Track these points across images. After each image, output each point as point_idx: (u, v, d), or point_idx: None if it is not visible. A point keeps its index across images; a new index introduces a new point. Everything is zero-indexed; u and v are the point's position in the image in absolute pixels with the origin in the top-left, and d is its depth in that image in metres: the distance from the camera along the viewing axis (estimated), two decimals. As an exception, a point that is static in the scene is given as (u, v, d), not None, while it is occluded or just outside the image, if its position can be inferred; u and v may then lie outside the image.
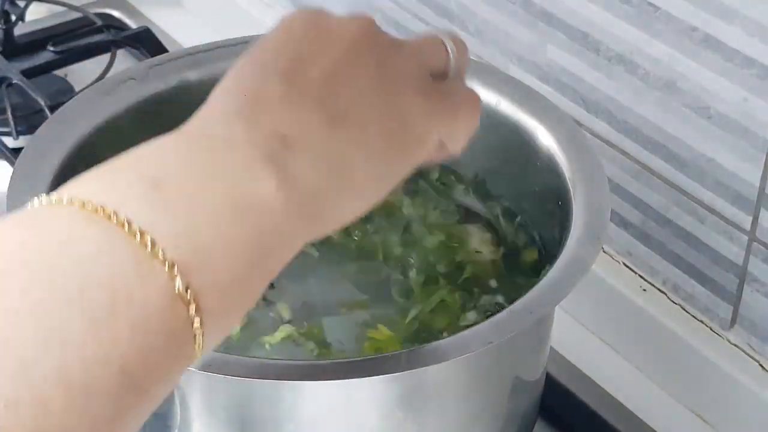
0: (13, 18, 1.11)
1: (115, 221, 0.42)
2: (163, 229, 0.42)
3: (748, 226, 0.78)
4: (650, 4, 0.78)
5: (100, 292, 0.40)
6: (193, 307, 0.42)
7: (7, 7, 1.11)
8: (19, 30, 1.12)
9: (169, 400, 0.64)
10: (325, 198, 0.49)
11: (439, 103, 0.54)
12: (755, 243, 0.78)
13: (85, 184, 0.44)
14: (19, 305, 0.39)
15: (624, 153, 0.85)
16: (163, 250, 0.42)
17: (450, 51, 0.57)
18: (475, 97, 0.58)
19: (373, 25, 0.54)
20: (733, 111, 0.76)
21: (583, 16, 0.84)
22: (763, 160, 0.75)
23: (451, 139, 0.56)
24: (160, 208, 0.43)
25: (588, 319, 0.90)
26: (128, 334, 0.40)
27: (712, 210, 0.80)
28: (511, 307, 0.63)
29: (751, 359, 0.82)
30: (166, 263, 0.42)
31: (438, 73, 0.56)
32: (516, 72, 0.90)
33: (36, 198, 0.43)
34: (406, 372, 0.61)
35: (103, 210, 0.42)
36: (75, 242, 0.41)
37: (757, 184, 0.76)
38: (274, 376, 0.61)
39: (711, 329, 0.84)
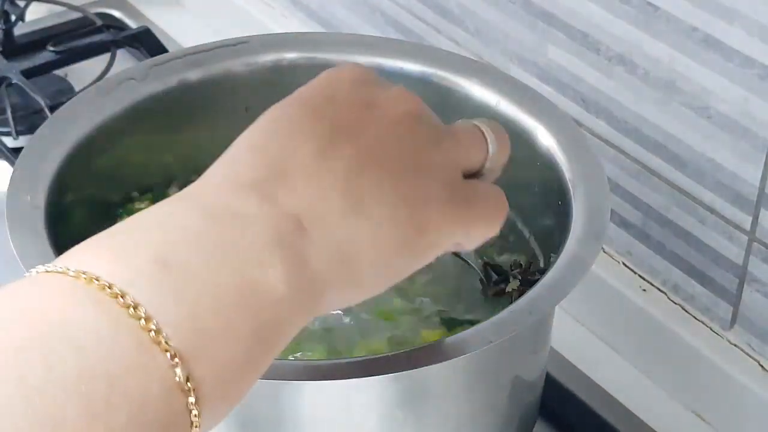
0: (13, 18, 1.11)
1: (121, 303, 0.41)
2: (168, 314, 0.41)
3: (748, 226, 0.78)
4: (650, 4, 0.78)
5: (98, 381, 0.39)
6: (193, 398, 0.41)
7: (6, 6, 1.11)
8: (19, 30, 1.12)
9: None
10: (329, 289, 0.48)
11: (464, 210, 0.52)
12: (755, 243, 0.78)
13: (91, 256, 0.43)
14: (14, 391, 0.38)
15: (624, 153, 0.85)
16: (166, 338, 0.41)
17: (490, 148, 0.54)
18: (502, 203, 0.55)
19: (419, 107, 0.51)
20: (733, 111, 0.76)
21: (583, 16, 0.84)
22: (763, 160, 0.75)
23: (467, 242, 0.53)
24: (167, 292, 0.42)
25: (588, 319, 0.90)
26: (124, 426, 0.39)
27: (712, 210, 0.80)
28: (511, 307, 0.63)
29: (751, 359, 0.82)
30: (169, 352, 0.41)
31: (471, 171, 0.54)
32: (516, 72, 0.90)
33: (36, 268, 0.42)
34: (406, 372, 0.61)
35: (111, 289, 0.41)
36: (76, 324, 0.40)
37: (757, 184, 0.76)
38: (274, 376, 0.60)
39: (711, 329, 0.84)
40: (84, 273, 0.41)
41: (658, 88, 0.80)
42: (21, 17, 1.12)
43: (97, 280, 0.41)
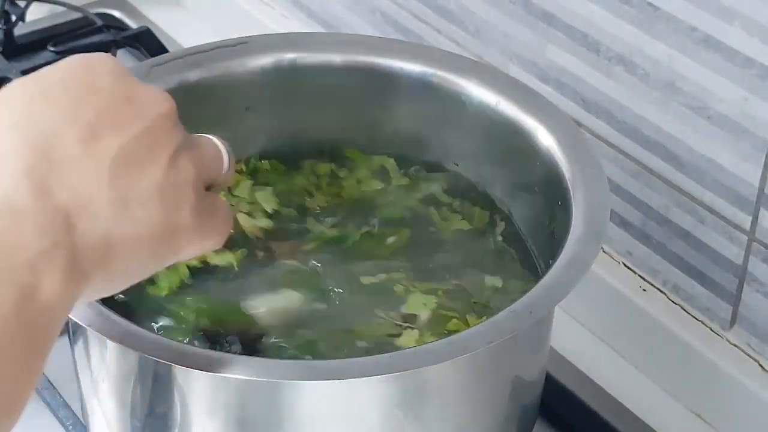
0: (14, 18, 1.11)
1: None
2: None
3: (748, 226, 0.78)
4: (650, 4, 0.78)
5: None
6: None
7: (7, 7, 1.11)
8: (19, 30, 1.12)
9: (169, 401, 0.64)
10: (89, 285, 0.48)
11: (207, 220, 0.54)
12: (755, 243, 0.78)
13: None
14: None
15: (624, 153, 0.85)
16: None
17: (225, 163, 0.56)
18: (230, 217, 0.57)
19: (174, 110, 0.52)
20: (733, 111, 0.76)
21: (583, 16, 0.84)
22: (763, 160, 0.75)
23: (198, 251, 0.55)
24: None
25: (588, 319, 0.90)
26: None
27: (712, 210, 0.80)
28: (512, 306, 0.63)
29: (751, 359, 0.82)
30: None
31: (209, 183, 0.55)
32: (516, 72, 0.90)
33: None
34: (406, 372, 0.61)
35: None
36: None
37: (757, 184, 0.76)
38: (274, 376, 0.61)
39: (711, 329, 0.84)
40: None
41: (658, 88, 0.80)
42: (21, 17, 1.12)
43: None
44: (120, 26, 1.16)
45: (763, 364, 0.81)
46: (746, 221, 0.78)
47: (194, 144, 0.54)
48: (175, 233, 0.52)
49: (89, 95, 0.49)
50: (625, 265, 0.89)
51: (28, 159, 0.47)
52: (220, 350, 0.68)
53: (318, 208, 0.80)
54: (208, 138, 0.56)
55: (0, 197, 0.46)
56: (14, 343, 0.44)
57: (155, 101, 0.51)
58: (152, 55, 1.05)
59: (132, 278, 0.52)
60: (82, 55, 0.52)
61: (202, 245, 0.54)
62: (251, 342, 0.69)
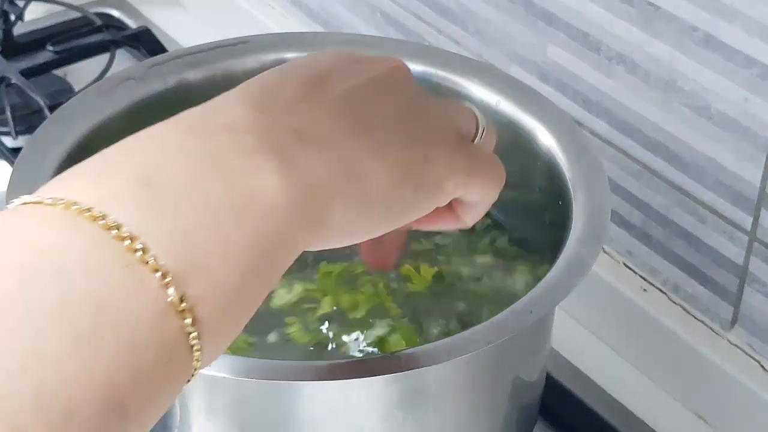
0: (13, 18, 1.11)
1: (102, 225, 0.38)
2: (155, 233, 0.39)
3: (748, 226, 0.78)
4: (650, 4, 0.78)
5: (82, 306, 0.36)
6: (189, 319, 0.38)
7: (6, 6, 1.11)
8: (18, 30, 1.12)
9: (168, 401, 0.64)
10: (332, 201, 0.45)
11: (465, 156, 0.51)
12: (755, 243, 0.78)
13: (70, 184, 0.41)
14: None
15: (624, 153, 0.85)
16: (155, 257, 0.38)
17: (480, 123, 0.54)
18: (502, 169, 0.54)
19: (407, 69, 0.51)
20: (733, 111, 0.76)
21: (583, 16, 0.83)
22: (764, 160, 0.75)
23: (468, 196, 0.52)
24: (152, 210, 0.39)
25: (588, 319, 0.90)
26: (114, 351, 0.36)
27: (712, 210, 0.80)
28: (512, 307, 0.63)
29: (751, 359, 0.82)
30: (159, 272, 0.38)
31: (466, 136, 0.53)
32: (516, 72, 0.90)
33: (16, 199, 0.40)
34: (405, 372, 0.61)
35: (90, 212, 0.38)
36: (57, 250, 0.37)
37: (758, 184, 0.76)
38: (274, 376, 0.60)
39: (711, 329, 0.84)
40: (61, 200, 0.39)
41: (658, 88, 0.80)
42: (20, 17, 1.12)
43: (75, 204, 0.39)
44: (119, 26, 1.16)
45: (763, 365, 0.81)
46: (747, 221, 0.78)
47: (439, 100, 0.52)
48: (431, 160, 0.48)
49: (317, 62, 0.49)
50: (625, 265, 0.89)
51: (253, 95, 0.46)
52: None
53: None
54: (462, 105, 0.54)
55: (210, 120, 0.44)
56: (234, 242, 0.41)
57: (384, 60, 0.50)
58: (152, 55, 1.05)
59: (393, 213, 0.48)
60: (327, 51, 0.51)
61: (467, 184, 0.51)
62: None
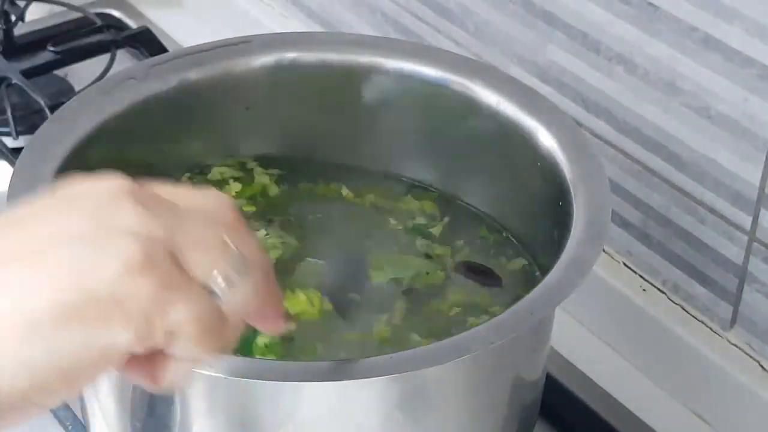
0: (13, 18, 1.11)
1: None
2: None
3: (748, 226, 0.78)
4: (650, 4, 0.78)
5: None
6: None
7: (6, 7, 1.11)
8: (18, 30, 1.12)
9: (169, 401, 0.64)
10: None
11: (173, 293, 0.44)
12: (755, 243, 0.78)
13: None
14: None
15: (624, 153, 0.85)
16: None
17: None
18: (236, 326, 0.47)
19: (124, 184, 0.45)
20: (733, 111, 0.76)
21: (583, 16, 0.84)
22: (763, 160, 0.75)
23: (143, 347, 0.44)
24: None
25: (588, 319, 0.90)
26: None
27: (712, 210, 0.80)
28: (513, 307, 0.63)
29: (751, 359, 0.82)
30: None
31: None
32: (516, 72, 0.90)
33: None
34: (406, 373, 0.61)
35: None
36: None
37: (757, 184, 0.76)
38: (274, 377, 0.60)
39: (711, 329, 0.84)
40: None
41: (658, 88, 0.80)
42: (21, 17, 1.12)
43: None
44: (119, 26, 1.16)
45: (763, 364, 0.81)
46: (746, 221, 0.78)
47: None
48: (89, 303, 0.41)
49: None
50: (625, 265, 0.89)
51: None
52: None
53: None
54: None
55: None
56: None
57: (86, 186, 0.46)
58: (152, 55, 1.05)
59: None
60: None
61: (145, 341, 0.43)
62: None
